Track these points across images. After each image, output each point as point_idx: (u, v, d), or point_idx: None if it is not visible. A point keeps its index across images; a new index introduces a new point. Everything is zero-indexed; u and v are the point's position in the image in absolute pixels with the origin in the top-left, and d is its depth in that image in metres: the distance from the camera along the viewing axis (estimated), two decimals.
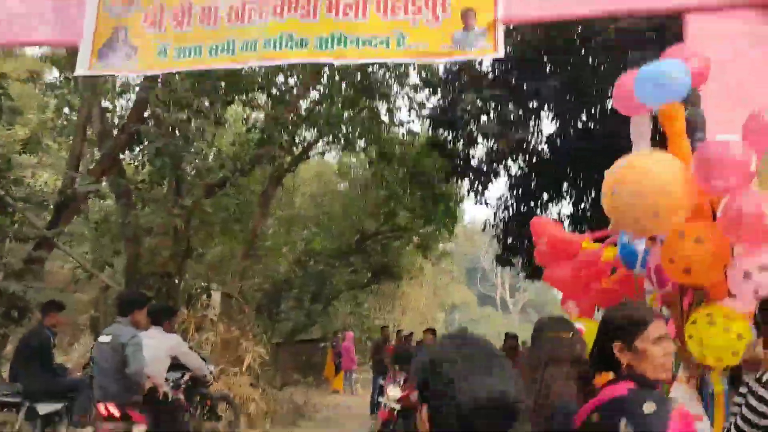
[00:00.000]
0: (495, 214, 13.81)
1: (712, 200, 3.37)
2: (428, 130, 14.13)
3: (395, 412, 7.89)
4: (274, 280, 18.27)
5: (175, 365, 5.95)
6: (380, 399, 8.41)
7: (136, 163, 11.07)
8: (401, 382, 8.20)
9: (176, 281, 11.04)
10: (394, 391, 8.04)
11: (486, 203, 13.27)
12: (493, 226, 13.76)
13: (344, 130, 13.83)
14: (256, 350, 11.04)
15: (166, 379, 5.73)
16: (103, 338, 5.12)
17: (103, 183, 10.64)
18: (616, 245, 4.60)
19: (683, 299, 3.66)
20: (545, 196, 13.50)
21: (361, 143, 14.66)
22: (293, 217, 19.50)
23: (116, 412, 4.90)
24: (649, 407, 1.76)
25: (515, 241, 13.56)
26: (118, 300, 5.48)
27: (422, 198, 15.50)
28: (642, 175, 3.02)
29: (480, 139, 12.54)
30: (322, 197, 20.89)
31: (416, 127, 15.65)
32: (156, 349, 5.41)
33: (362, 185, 19.30)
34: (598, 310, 4.94)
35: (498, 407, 1.09)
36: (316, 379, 18.38)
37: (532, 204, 13.62)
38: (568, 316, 4.36)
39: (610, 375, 1.95)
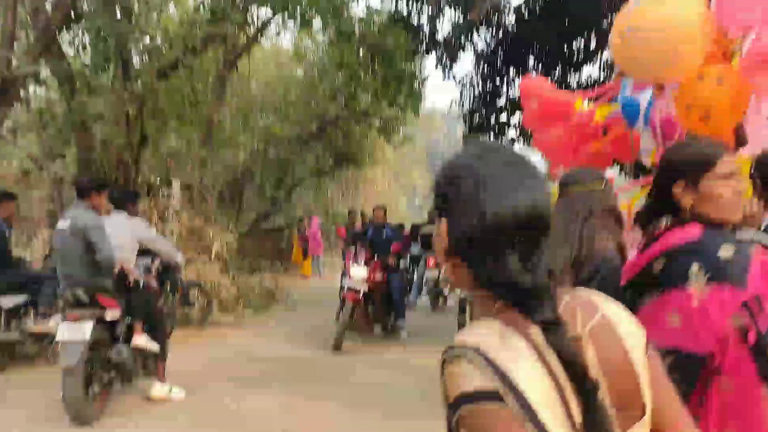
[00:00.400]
0: (461, 93, 13.44)
1: (724, 45, 3.12)
2: (391, 2, 13.33)
3: (362, 294, 7.64)
4: (234, 169, 17.80)
5: (144, 251, 5.68)
6: (343, 282, 8.08)
7: (76, 45, 10.18)
8: (364, 262, 7.92)
9: (133, 172, 10.54)
10: (358, 272, 7.72)
11: (454, 78, 12.84)
12: (459, 105, 13.41)
13: (300, 8, 12.93)
14: (223, 238, 10.83)
15: (136, 265, 5.48)
16: (62, 224, 4.77)
17: (43, 70, 9.81)
18: (610, 102, 4.39)
19: None
20: (512, 71, 13.12)
21: (318, 22, 13.78)
22: (250, 104, 18.72)
23: (85, 299, 4.66)
24: (726, 250, 1.53)
25: (481, 120, 13.30)
26: (75, 183, 5.08)
27: (385, 79, 14.89)
28: (659, 15, 2.72)
29: (446, 10, 11.94)
30: (279, 83, 20.00)
31: (376, 2, 14.74)
32: (122, 234, 5.10)
33: (320, 68, 18.48)
34: None
35: (528, 220, 0.95)
36: (284, 266, 18.48)
37: (497, 81, 13.26)
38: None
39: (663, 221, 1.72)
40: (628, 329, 0.98)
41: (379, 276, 8.16)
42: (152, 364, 5.29)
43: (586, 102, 4.36)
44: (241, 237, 14.11)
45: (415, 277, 14.29)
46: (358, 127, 20.28)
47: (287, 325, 9.58)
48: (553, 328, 0.90)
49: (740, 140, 3.28)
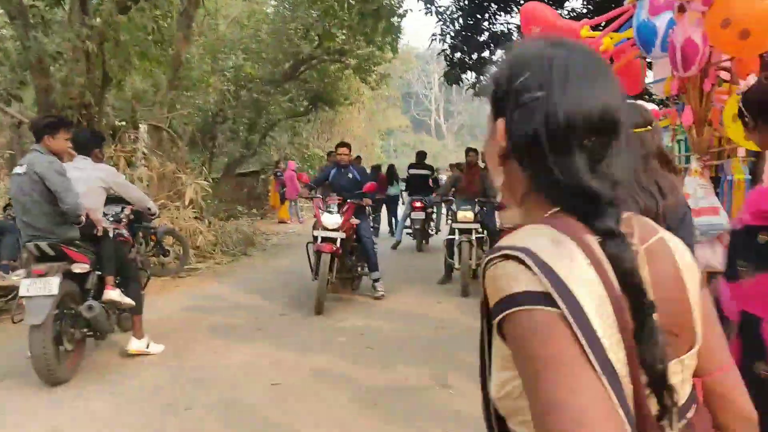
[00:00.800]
0: (441, 29, 12.91)
1: None
2: None
3: (339, 242, 6.65)
4: (205, 112, 17.18)
5: (113, 199, 5.30)
6: (315, 232, 6.88)
7: None
8: (335, 208, 6.88)
9: (96, 114, 9.96)
10: (331, 219, 6.72)
11: (437, 12, 12.29)
12: (440, 41, 12.90)
13: None
14: (197, 183, 10.42)
15: (105, 214, 5.11)
16: (18, 169, 4.34)
17: None
18: (617, 31, 4.05)
19: (704, 82, 3.21)
20: (494, 6, 12.61)
21: None
22: (219, 43, 17.90)
23: (50, 251, 4.31)
24: None
25: (463, 57, 12.84)
26: (32, 125, 4.62)
27: (361, 13, 14.26)
28: None
29: None
30: (249, 20, 19.12)
31: None
32: (87, 180, 4.70)
33: (292, 2, 17.68)
34: None
35: (600, 122, 0.85)
36: (261, 210, 18.13)
37: (479, 16, 12.75)
38: None
39: None
40: (686, 260, 0.93)
41: (355, 221, 7.14)
42: (128, 319, 5.00)
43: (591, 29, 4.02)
44: (215, 182, 13.72)
45: (394, 218, 14.35)
46: (332, 67, 19.67)
47: (267, 271, 9.33)
48: (614, 238, 0.82)
49: (766, 64, 3.01)
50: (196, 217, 10.23)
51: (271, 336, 5.62)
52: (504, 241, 0.83)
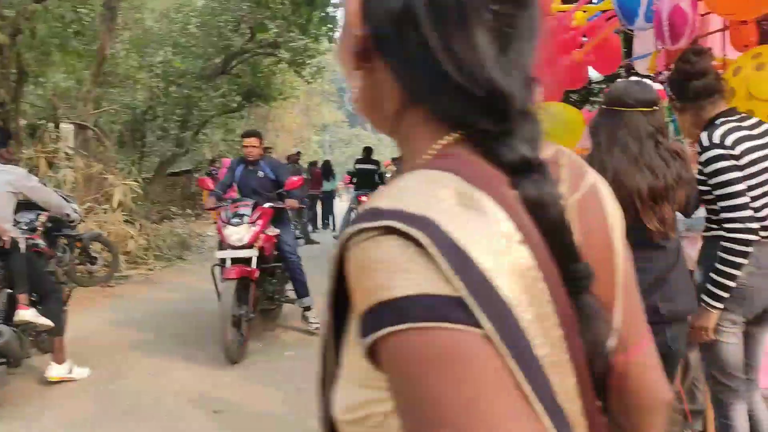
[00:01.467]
0: None
1: None
2: None
3: (254, 262, 5.05)
4: (133, 109, 16.31)
5: (27, 205, 4.65)
6: (219, 253, 5.27)
7: None
8: (246, 215, 5.22)
9: (13, 111, 9.14)
10: (234, 233, 5.08)
11: None
12: None
13: None
14: (126, 184, 9.72)
15: (17, 222, 4.47)
16: None
17: None
18: (592, 2, 3.76)
19: None
20: None
21: None
22: (146, 36, 17.01)
23: None
24: None
25: None
26: None
27: (295, 3, 13.75)
28: None
29: None
30: (176, 12, 18.28)
31: None
32: None
33: None
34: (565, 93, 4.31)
35: None
36: (195, 211, 17.39)
37: None
38: None
39: None
40: (615, 213, 0.67)
41: (274, 231, 5.44)
42: (47, 340, 4.39)
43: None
44: (146, 183, 13.00)
45: (330, 215, 14.30)
46: (266, 61, 19.09)
47: (205, 277, 8.62)
48: (530, 172, 0.54)
49: (764, 32, 2.75)
50: (126, 221, 9.53)
51: (212, 353, 5.04)
52: (381, 200, 0.50)
